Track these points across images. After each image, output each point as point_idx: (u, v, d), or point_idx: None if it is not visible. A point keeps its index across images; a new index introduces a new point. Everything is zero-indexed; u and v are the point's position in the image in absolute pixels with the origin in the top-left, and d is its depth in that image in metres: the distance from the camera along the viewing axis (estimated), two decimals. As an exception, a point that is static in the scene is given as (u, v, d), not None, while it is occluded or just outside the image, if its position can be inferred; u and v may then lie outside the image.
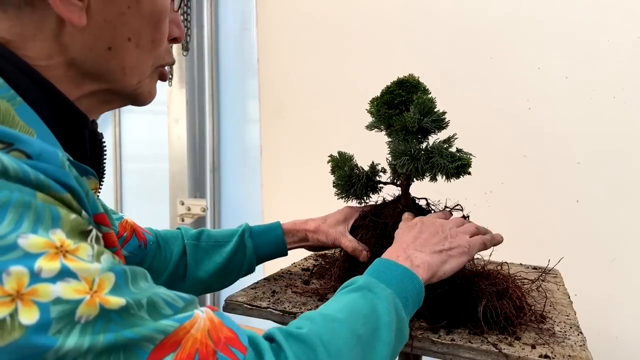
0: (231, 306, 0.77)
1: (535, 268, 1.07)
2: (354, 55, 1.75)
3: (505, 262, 0.87)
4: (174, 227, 2.06)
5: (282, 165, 1.95)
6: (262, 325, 0.83)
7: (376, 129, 0.92)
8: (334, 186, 0.94)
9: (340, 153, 0.95)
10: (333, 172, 0.94)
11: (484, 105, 1.49)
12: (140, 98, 0.61)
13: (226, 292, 0.97)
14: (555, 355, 0.60)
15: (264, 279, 0.91)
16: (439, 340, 0.65)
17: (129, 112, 2.50)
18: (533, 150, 1.45)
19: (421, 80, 0.90)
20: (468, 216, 0.88)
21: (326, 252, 1.12)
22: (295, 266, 1.02)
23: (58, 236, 0.40)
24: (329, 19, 1.79)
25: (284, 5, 1.89)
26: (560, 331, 0.69)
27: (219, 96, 2.17)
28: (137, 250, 0.87)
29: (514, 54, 1.47)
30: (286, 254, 0.96)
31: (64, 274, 0.38)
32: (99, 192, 0.66)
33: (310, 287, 0.85)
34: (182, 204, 2.01)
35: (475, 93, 1.51)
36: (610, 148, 1.36)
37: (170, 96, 2.04)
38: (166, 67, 0.65)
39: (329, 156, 0.95)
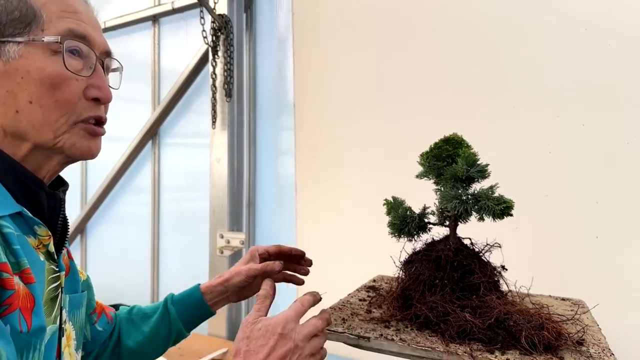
0: (312, 331, 0.90)
1: (563, 299, 1.19)
2: (384, 103, 1.92)
3: (542, 295, 0.99)
4: (214, 258, 2.19)
5: (316, 200, 2.09)
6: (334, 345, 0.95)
7: (426, 178, 1.06)
8: (388, 226, 1.08)
9: (393, 197, 1.10)
10: (388, 213, 1.08)
11: (508, 149, 1.64)
12: (67, 151, 0.72)
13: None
14: (595, 372, 0.73)
15: (330, 307, 1.04)
16: (495, 359, 0.77)
17: (168, 147, 2.68)
18: (554, 190, 1.59)
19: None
20: (504, 266, 1.02)
21: (374, 284, 1.26)
22: (352, 297, 1.14)
23: None
24: (363, 68, 1.97)
25: (319, 55, 2.07)
26: (596, 352, 0.81)
27: (256, 137, 2.34)
28: (106, 326, 1.02)
29: (534, 103, 1.62)
30: (213, 314, 1.08)
31: None
32: (66, 241, 0.80)
33: (373, 315, 0.98)
34: (222, 237, 2.15)
35: (500, 138, 1.66)
36: (625, 189, 1.49)
37: (212, 137, 2.21)
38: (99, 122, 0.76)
39: (384, 200, 1.09)
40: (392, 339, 0.85)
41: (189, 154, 2.63)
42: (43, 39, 0.68)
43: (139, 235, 2.80)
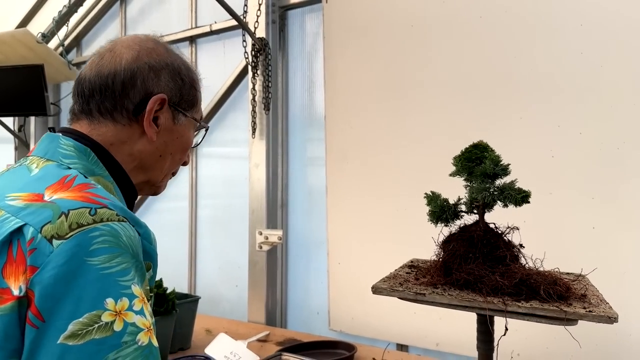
0: (379, 290, 1.18)
1: (567, 273, 1.46)
2: (406, 114, 2.20)
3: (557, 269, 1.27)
4: (253, 254, 2.46)
5: (345, 201, 2.37)
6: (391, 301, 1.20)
7: (458, 176, 1.34)
8: (428, 214, 1.35)
9: (432, 192, 1.37)
10: (429, 204, 1.35)
11: (516, 154, 1.92)
12: (158, 190, 0.99)
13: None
14: (595, 311, 1.01)
15: (386, 277, 1.31)
16: (522, 305, 1.05)
17: (205, 157, 2.95)
18: (557, 188, 1.87)
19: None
20: (521, 245, 1.30)
21: (412, 264, 1.53)
22: (398, 271, 1.41)
23: (145, 291, 0.71)
24: (386, 84, 2.26)
25: (347, 72, 2.36)
26: (595, 302, 1.09)
27: (288, 146, 2.62)
28: None
29: (539, 115, 1.91)
30: None
31: (142, 312, 0.68)
32: None
33: (422, 281, 1.25)
34: (261, 234, 2.42)
35: (509, 144, 1.93)
36: (617, 186, 1.78)
37: (251, 146, 2.49)
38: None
39: (425, 193, 1.37)
40: (443, 294, 1.12)
41: (224, 163, 2.90)
42: (202, 123, 1.01)
43: (177, 234, 3.05)
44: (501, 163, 1.27)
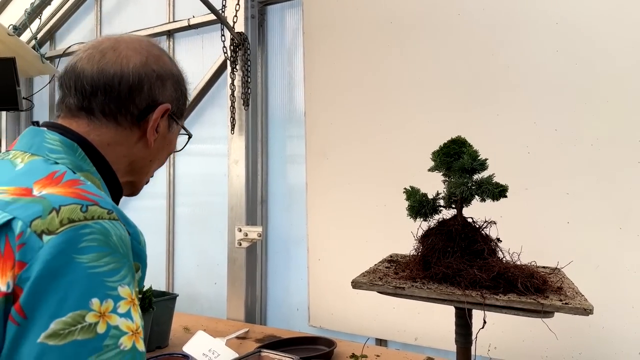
0: (359, 285, 1.18)
1: (543, 267, 1.49)
2: (385, 111, 2.21)
3: (534, 261, 1.29)
4: (232, 251, 2.44)
5: (325, 197, 2.36)
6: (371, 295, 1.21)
7: (437, 171, 1.35)
8: (407, 209, 1.36)
9: (411, 187, 1.38)
10: (408, 198, 1.36)
11: (493, 150, 1.95)
12: (137, 191, 0.99)
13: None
14: (571, 303, 1.02)
15: (366, 271, 1.31)
16: (500, 298, 1.06)
17: (183, 154, 2.91)
18: (532, 184, 1.90)
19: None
20: (499, 239, 1.32)
21: (391, 258, 1.53)
22: (378, 266, 1.42)
23: (134, 292, 0.70)
24: (367, 81, 2.26)
25: (327, 69, 2.36)
26: (571, 294, 1.11)
27: (268, 142, 2.61)
28: None
29: (515, 112, 1.94)
30: None
31: (128, 315, 0.66)
32: None
33: (401, 275, 1.26)
34: (240, 230, 2.40)
35: (487, 141, 1.96)
36: (590, 182, 1.82)
37: (231, 142, 2.46)
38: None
39: (404, 188, 1.38)
40: (422, 288, 1.13)
41: (202, 160, 2.87)
42: (188, 131, 1.03)
43: (155, 232, 3.01)
44: (479, 158, 1.29)
